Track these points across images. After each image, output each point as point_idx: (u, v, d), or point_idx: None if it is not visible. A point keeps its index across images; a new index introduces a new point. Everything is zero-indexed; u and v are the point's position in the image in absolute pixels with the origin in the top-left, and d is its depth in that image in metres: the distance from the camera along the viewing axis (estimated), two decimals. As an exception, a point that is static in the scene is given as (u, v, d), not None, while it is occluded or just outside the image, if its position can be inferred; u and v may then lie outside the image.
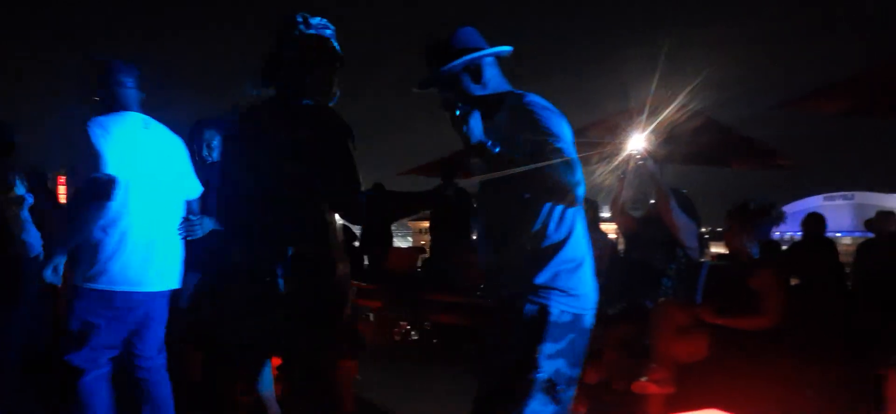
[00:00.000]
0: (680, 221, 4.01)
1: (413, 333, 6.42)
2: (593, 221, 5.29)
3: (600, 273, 4.87)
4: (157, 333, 2.93)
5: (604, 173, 5.37)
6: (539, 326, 2.04)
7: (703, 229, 7.52)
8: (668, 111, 5.78)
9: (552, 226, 2.09)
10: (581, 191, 1.99)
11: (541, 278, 2.06)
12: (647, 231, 4.37)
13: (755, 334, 3.51)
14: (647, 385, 3.49)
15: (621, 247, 5.39)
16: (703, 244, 4.55)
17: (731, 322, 3.51)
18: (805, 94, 5.22)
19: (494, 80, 2.21)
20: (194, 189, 3.09)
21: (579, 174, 1.98)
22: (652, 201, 4.50)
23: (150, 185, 2.80)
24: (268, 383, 3.33)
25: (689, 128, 6.05)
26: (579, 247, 2.13)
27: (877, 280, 5.75)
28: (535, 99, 2.11)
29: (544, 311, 2.05)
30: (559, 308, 2.06)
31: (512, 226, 2.11)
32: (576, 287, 2.10)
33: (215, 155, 3.68)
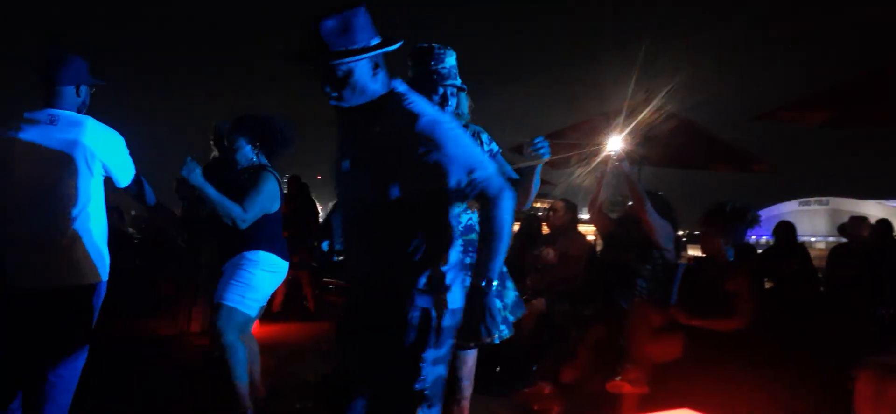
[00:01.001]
0: (656, 222, 4.04)
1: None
2: (572, 223, 5.32)
3: (578, 274, 4.92)
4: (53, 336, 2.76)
5: (582, 175, 5.41)
6: (423, 332, 1.96)
7: (680, 232, 7.61)
8: (644, 114, 5.83)
9: (436, 231, 2.01)
10: (490, 189, 1.95)
11: (424, 283, 1.97)
12: (624, 232, 4.40)
13: (728, 335, 3.54)
14: (621, 385, 3.51)
15: (599, 248, 5.42)
16: (680, 246, 4.59)
17: (705, 323, 3.55)
18: (783, 105, 5.28)
19: (384, 78, 2.01)
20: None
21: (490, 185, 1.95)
22: (629, 203, 4.53)
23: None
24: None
25: (667, 131, 6.12)
26: (456, 252, 2.06)
27: (848, 284, 5.86)
28: (431, 121, 1.93)
29: (428, 316, 1.97)
30: (442, 313, 1.98)
31: (391, 230, 1.99)
32: (455, 292, 2.01)
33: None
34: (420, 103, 1.99)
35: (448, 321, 1.98)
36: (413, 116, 1.93)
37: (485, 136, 2.72)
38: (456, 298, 2.00)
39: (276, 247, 3.40)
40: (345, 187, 2.10)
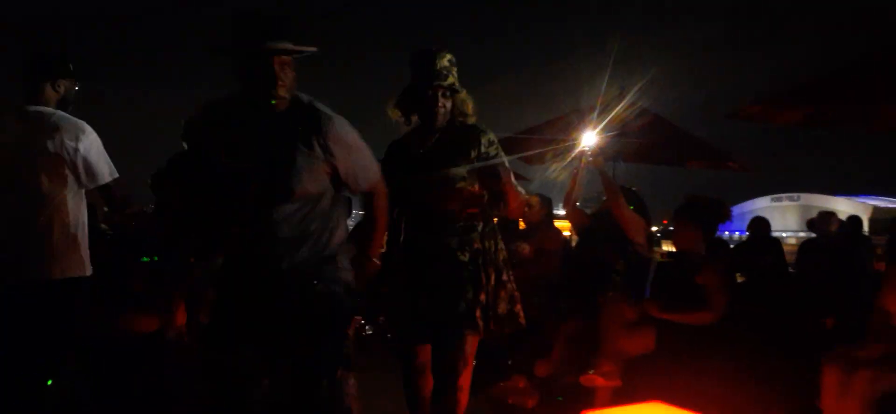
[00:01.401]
0: (630, 217, 4.08)
1: (368, 327, 6.40)
2: (547, 218, 5.36)
3: (553, 269, 4.95)
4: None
5: (557, 170, 5.45)
6: (345, 317, 2.25)
7: (655, 227, 7.69)
8: (618, 110, 5.88)
9: (343, 220, 2.29)
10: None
11: (342, 272, 2.23)
12: (599, 227, 4.44)
13: (701, 329, 3.59)
14: (594, 378, 3.55)
15: (574, 243, 5.46)
16: (654, 241, 4.64)
17: (678, 317, 3.59)
18: (754, 102, 5.35)
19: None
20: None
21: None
22: (603, 198, 4.57)
23: None
24: None
25: (641, 127, 6.18)
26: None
27: (818, 278, 5.97)
28: (343, 122, 2.21)
29: (344, 294, 2.22)
30: (351, 291, 2.24)
31: (309, 222, 2.16)
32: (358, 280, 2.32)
33: None
34: (326, 107, 2.21)
35: (353, 299, 2.26)
36: (328, 117, 2.16)
37: (485, 139, 2.64)
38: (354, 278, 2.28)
39: None
40: (261, 182, 2.12)
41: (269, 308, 2.14)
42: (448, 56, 2.63)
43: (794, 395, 3.67)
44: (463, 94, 2.67)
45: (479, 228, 2.62)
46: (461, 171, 2.56)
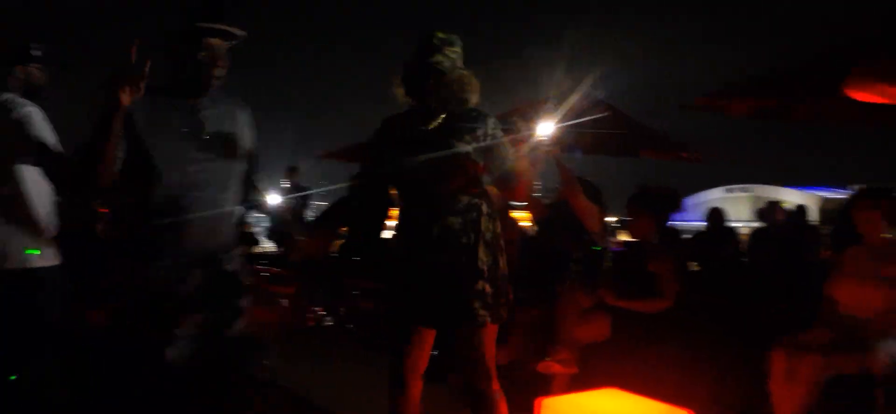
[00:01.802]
0: (586, 207, 4.12)
1: (328, 318, 6.35)
2: (505, 208, 5.38)
3: (511, 258, 4.97)
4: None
5: (515, 161, 5.46)
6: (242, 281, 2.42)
7: (613, 218, 7.80)
8: (574, 100, 5.93)
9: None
10: None
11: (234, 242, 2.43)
12: (556, 217, 4.48)
13: (655, 316, 3.66)
14: (551, 365, 3.58)
15: (532, 233, 5.50)
16: (610, 230, 4.70)
17: (632, 305, 3.65)
18: (707, 95, 5.46)
19: None
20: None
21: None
22: (561, 188, 4.60)
23: None
24: None
25: (599, 119, 6.24)
26: None
27: (768, 266, 6.15)
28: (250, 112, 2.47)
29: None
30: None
31: (224, 201, 2.35)
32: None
33: None
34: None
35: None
36: (244, 106, 2.44)
37: (492, 121, 2.54)
38: None
39: None
40: (194, 167, 2.28)
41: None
42: (444, 35, 2.52)
43: (746, 380, 3.77)
44: (463, 74, 2.52)
45: (484, 209, 2.49)
46: (468, 150, 2.44)
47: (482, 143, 2.45)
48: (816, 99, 5.38)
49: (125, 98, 2.01)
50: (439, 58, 2.48)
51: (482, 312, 2.40)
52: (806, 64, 5.24)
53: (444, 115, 2.50)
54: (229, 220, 2.38)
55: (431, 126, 2.49)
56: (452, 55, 2.53)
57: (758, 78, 5.39)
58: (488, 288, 2.43)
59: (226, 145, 2.34)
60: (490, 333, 2.46)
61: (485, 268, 2.44)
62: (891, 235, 3.40)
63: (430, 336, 2.54)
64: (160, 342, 2.19)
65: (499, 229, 2.57)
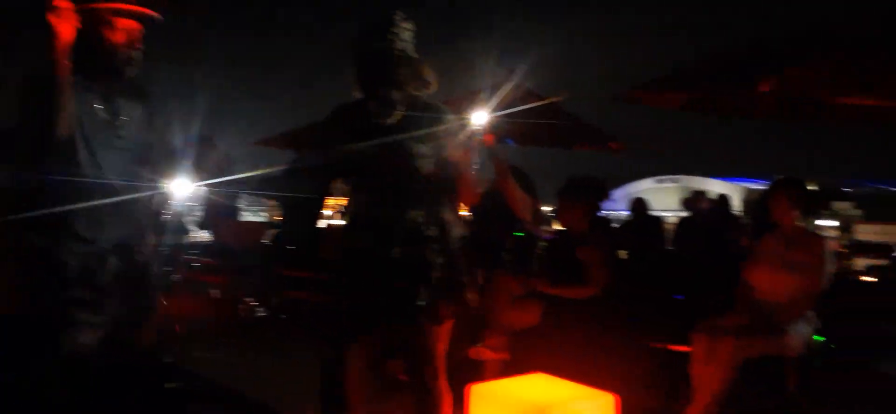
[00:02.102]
0: (518, 196, 4.17)
1: (260, 309, 6.24)
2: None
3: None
4: None
5: (451, 150, 5.47)
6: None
7: (549, 208, 7.93)
8: (507, 91, 5.98)
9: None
10: None
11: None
12: (489, 206, 4.52)
13: (584, 303, 3.75)
14: (482, 351, 3.62)
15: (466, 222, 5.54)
16: (542, 220, 4.78)
17: (561, 291, 3.73)
18: (638, 87, 5.58)
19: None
20: None
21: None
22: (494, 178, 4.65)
23: None
24: None
25: (533, 110, 6.33)
26: None
27: (692, 253, 6.38)
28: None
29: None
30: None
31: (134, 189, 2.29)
32: None
33: None
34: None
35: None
36: (155, 93, 2.40)
37: (445, 117, 2.46)
38: None
39: None
40: (105, 152, 2.22)
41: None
42: (403, 15, 2.38)
43: (670, 363, 3.90)
44: (422, 60, 2.41)
45: (445, 204, 2.42)
46: (431, 146, 2.36)
47: (442, 139, 2.38)
48: (740, 92, 5.60)
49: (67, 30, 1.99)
50: (397, 40, 2.33)
51: (442, 307, 2.38)
52: (732, 57, 5.44)
53: (403, 108, 2.37)
54: (142, 208, 2.31)
55: (391, 119, 2.37)
56: (409, 38, 2.39)
57: (687, 71, 5.54)
58: (446, 283, 2.40)
59: (138, 131, 2.29)
60: (445, 328, 2.43)
61: (446, 263, 2.40)
62: (803, 224, 3.59)
63: (377, 340, 2.46)
64: (61, 329, 2.12)
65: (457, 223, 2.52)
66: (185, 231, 8.94)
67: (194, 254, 7.29)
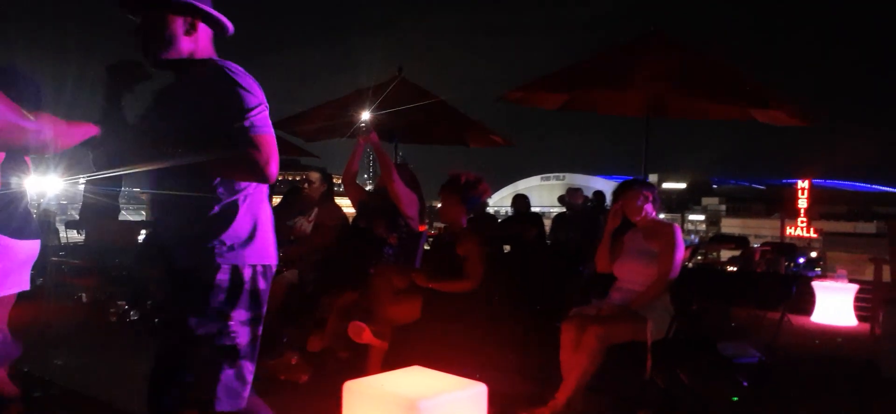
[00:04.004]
0: (402, 192, 4.24)
1: (132, 313, 5.95)
2: (327, 193, 5.39)
3: (330, 243, 4.99)
4: None
5: (339, 146, 5.48)
6: (233, 290, 1.96)
7: (439, 203, 8.07)
8: (391, 89, 6.06)
9: (228, 191, 1.99)
10: (273, 168, 1.94)
11: (228, 243, 1.96)
12: (375, 203, 4.56)
13: (463, 296, 3.87)
14: (362, 328, 3.63)
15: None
16: (425, 215, 4.87)
17: (441, 286, 3.83)
18: (518, 87, 5.80)
19: (204, 44, 2.06)
20: None
21: (268, 151, 1.93)
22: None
23: None
24: None
25: (418, 108, 6.44)
26: (253, 207, 2.04)
27: (567, 247, 6.70)
28: (236, 70, 1.95)
29: (237, 272, 1.96)
30: (249, 270, 1.99)
31: (185, 196, 1.96)
32: (260, 246, 2.03)
33: None
34: None
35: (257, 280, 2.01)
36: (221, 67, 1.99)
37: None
38: (269, 254, 2.05)
39: None
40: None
41: None
42: None
43: (542, 352, 4.11)
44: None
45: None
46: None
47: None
48: (614, 92, 5.94)
49: None
50: None
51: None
52: (605, 58, 5.76)
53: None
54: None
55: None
56: None
57: (564, 72, 5.82)
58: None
59: None
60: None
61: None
62: (659, 217, 3.90)
63: None
64: None
65: None
66: (54, 231, 8.36)
67: (62, 255, 6.86)
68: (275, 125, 2.02)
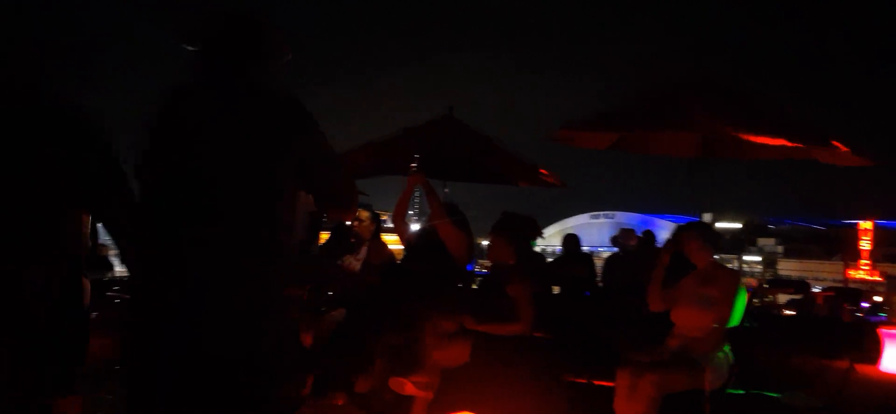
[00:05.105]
0: (452, 233, 4.22)
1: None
2: (375, 232, 5.41)
3: (377, 282, 4.99)
4: None
5: (381, 183, 5.50)
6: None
7: (486, 242, 8.02)
8: (446, 127, 6.07)
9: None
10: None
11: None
12: (423, 242, 4.55)
13: (513, 340, 3.79)
14: (405, 383, 3.59)
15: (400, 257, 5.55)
16: (474, 255, 4.83)
17: (491, 328, 3.76)
18: (567, 127, 5.74)
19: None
20: None
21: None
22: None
23: None
24: None
25: (468, 146, 6.44)
26: None
27: (619, 289, 6.55)
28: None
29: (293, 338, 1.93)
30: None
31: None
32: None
33: None
34: None
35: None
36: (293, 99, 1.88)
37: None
38: None
39: None
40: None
41: None
42: None
43: (598, 400, 3.98)
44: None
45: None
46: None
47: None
48: (666, 132, 5.84)
49: None
50: None
51: None
52: (656, 96, 5.67)
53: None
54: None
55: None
56: None
57: (613, 111, 5.74)
58: None
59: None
60: None
61: None
62: (715, 259, 3.77)
63: None
64: None
65: None
66: (109, 266, 8.61)
67: (116, 290, 7.03)
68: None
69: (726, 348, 3.51)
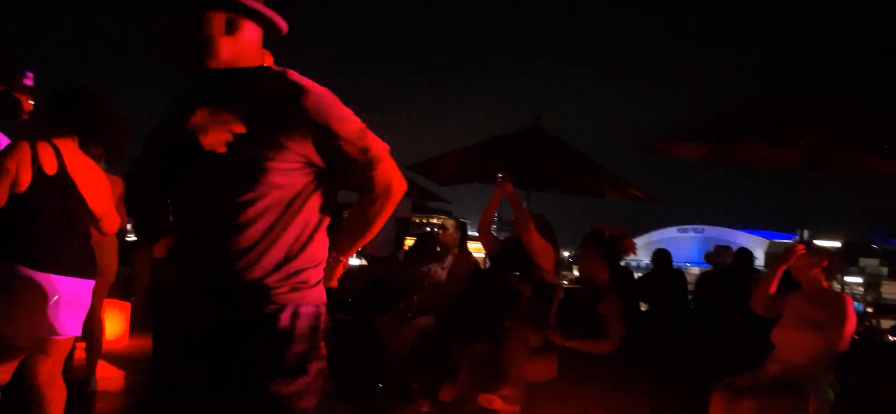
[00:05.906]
0: (538, 243, 4.16)
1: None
2: (461, 241, 5.42)
3: (463, 291, 4.99)
4: None
5: (476, 194, 5.50)
6: (311, 330, 1.68)
7: (567, 253, 7.90)
8: (534, 137, 6.02)
9: (301, 222, 1.70)
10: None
11: (296, 280, 1.68)
12: (508, 252, 4.51)
13: (601, 357, 3.69)
14: (492, 399, 3.56)
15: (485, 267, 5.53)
16: (560, 268, 4.76)
17: (579, 345, 3.68)
18: (663, 139, 5.61)
19: (254, 47, 1.71)
20: None
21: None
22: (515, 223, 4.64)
23: None
24: None
25: (555, 157, 6.37)
26: (322, 242, 1.76)
27: (713, 308, 6.28)
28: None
29: (315, 319, 1.70)
30: (315, 309, 1.71)
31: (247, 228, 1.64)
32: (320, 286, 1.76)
33: None
34: None
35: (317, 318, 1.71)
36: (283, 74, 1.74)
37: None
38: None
39: None
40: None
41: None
42: None
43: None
44: None
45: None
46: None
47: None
48: (761, 145, 5.59)
49: None
50: None
51: None
52: (749, 108, 5.45)
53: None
54: None
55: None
56: None
57: (709, 123, 5.57)
58: None
59: None
60: None
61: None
62: (827, 285, 3.53)
63: None
64: None
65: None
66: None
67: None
68: (409, 168, 1.98)
69: (831, 376, 3.29)
